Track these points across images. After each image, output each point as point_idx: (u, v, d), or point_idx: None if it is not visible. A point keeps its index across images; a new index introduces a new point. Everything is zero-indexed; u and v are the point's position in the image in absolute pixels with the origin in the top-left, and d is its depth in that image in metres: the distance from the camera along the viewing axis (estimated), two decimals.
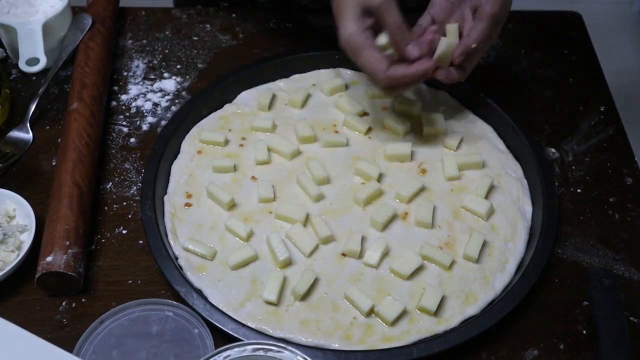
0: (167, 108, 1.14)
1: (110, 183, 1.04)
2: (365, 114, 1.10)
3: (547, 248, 0.94)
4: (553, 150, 1.09)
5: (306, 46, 1.19)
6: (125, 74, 1.19)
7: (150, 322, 0.88)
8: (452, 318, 0.89)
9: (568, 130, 1.12)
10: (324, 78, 1.15)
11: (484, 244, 0.95)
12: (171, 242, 0.95)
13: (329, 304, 0.90)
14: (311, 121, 1.08)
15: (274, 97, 1.12)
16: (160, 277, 0.93)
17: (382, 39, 0.97)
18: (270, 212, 0.98)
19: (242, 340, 0.78)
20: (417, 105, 1.10)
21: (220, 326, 0.86)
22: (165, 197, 1.00)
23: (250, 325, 0.87)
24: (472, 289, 0.92)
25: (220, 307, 0.89)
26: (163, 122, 1.12)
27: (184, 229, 0.97)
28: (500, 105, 1.09)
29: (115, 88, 1.17)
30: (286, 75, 1.16)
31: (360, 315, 0.89)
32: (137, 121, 1.13)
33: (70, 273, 0.89)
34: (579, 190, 1.05)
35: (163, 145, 1.04)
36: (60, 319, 0.90)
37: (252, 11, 1.29)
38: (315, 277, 0.91)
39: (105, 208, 1.01)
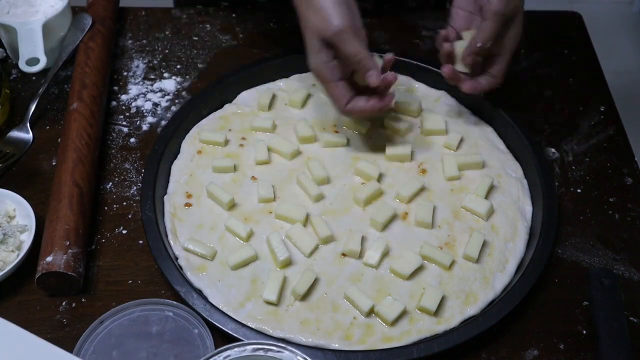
0: (167, 108, 1.14)
1: (110, 183, 1.04)
2: None
3: (547, 248, 0.94)
4: (553, 150, 1.09)
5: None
6: (125, 74, 1.19)
7: (150, 322, 0.88)
8: (452, 318, 0.89)
9: (568, 130, 1.12)
10: None
11: (484, 244, 0.95)
12: (171, 242, 0.95)
13: (329, 304, 0.90)
14: (311, 121, 1.08)
15: (274, 97, 1.12)
16: (160, 277, 0.93)
17: (457, 46, 1.01)
18: (270, 212, 0.98)
19: (242, 340, 0.78)
20: (417, 105, 1.10)
21: (220, 326, 0.86)
22: (165, 197, 1.00)
23: (250, 325, 0.87)
24: (472, 289, 0.92)
25: (220, 307, 0.89)
26: (163, 122, 1.12)
27: (184, 229, 0.97)
28: (500, 105, 1.08)
29: (115, 88, 1.17)
30: (286, 75, 1.16)
31: (360, 315, 0.89)
32: (137, 121, 1.13)
33: (70, 273, 0.89)
34: (579, 190, 1.05)
35: (163, 145, 1.04)
36: (60, 319, 0.90)
37: (252, 11, 1.29)
38: (315, 277, 0.91)
39: (105, 208, 1.01)
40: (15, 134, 1.09)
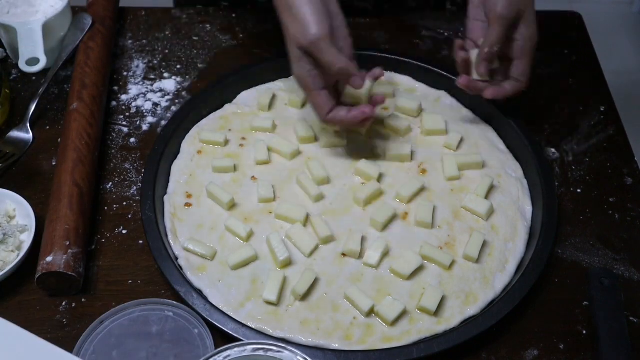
0: (167, 108, 1.14)
1: (110, 183, 1.04)
2: None
3: (547, 248, 0.94)
4: (553, 150, 1.09)
5: None
6: (125, 74, 1.19)
7: (150, 322, 0.88)
8: (452, 318, 0.89)
9: (568, 130, 1.12)
10: None
11: (484, 244, 0.95)
12: (171, 242, 0.95)
13: (329, 304, 0.90)
14: (311, 121, 1.08)
15: (274, 97, 1.12)
16: (160, 277, 0.93)
17: (496, 63, 1.01)
18: (270, 212, 0.98)
19: (242, 340, 0.78)
20: (417, 105, 1.10)
21: (220, 326, 0.86)
22: (165, 197, 1.00)
23: (250, 325, 0.87)
24: (472, 289, 0.92)
25: (220, 307, 0.89)
26: (163, 122, 1.12)
27: (184, 229, 0.97)
28: (500, 105, 1.08)
29: (115, 88, 1.17)
30: (286, 75, 1.16)
31: (360, 315, 0.89)
32: (137, 121, 1.13)
33: (70, 273, 0.89)
34: (579, 190, 1.05)
35: (163, 145, 1.04)
36: (60, 319, 0.90)
37: (252, 11, 1.29)
38: (315, 277, 0.91)
39: (105, 208, 1.01)
40: (15, 134, 1.09)
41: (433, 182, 1.02)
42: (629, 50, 2.67)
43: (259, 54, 1.22)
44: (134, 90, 1.17)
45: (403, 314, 0.88)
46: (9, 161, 1.06)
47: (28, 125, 1.10)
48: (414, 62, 1.15)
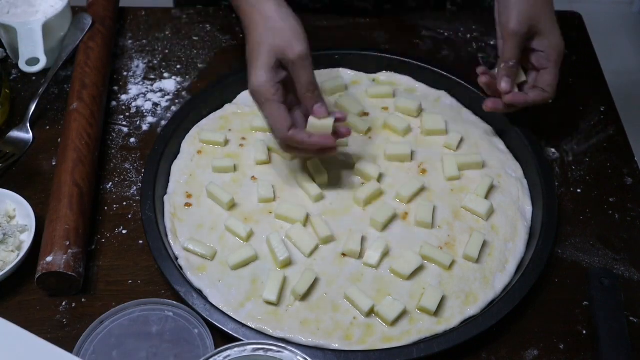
0: (167, 108, 1.14)
1: (110, 183, 1.04)
2: (365, 114, 1.10)
3: (547, 248, 0.94)
4: (553, 150, 1.09)
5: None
6: (125, 74, 1.19)
7: (150, 322, 0.88)
8: (452, 318, 0.89)
9: (568, 130, 1.12)
10: (324, 78, 1.15)
11: (484, 244, 0.95)
12: (171, 242, 0.95)
13: (329, 304, 0.90)
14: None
15: None
16: (160, 277, 0.93)
17: (522, 77, 1.01)
18: (270, 212, 0.98)
19: (242, 340, 0.78)
20: (417, 105, 1.10)
21: (220, 326, 0.86)
22: (165, 197, 1.00)
23: (250, 325, 0.87)
24: (472, 289, 0.92)
25: (220, 307, 0.89)
26: (163, 122, 1.12)
27: (184, 229, 0.97)
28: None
29: (115, 88, 1.17)
30: None
31: (360, 315, 0.89)
32: (137, 121, 1.13)
33: (70, 273, 0.89)
34: (579, 190, 1.05)
35: (163, 145, 1.04)
36: (60, 319, 0.90)
37: None
38: (315, 277, 0.91)
39: (105, 208, 1.01)
40: (15, 134, 1.09)
41: (433, 182, 1.02)
42: (629, 50, 2.67)
43: None
44: (134, 90, 1.17)
45: (403, 314, 0.88)
46: (9, 161, 1.06)
47: (28, 125, 1.10)
48: (414, 62, 1.15)
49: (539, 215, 0.98)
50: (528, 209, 1.00)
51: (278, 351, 0.73)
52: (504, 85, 1.01)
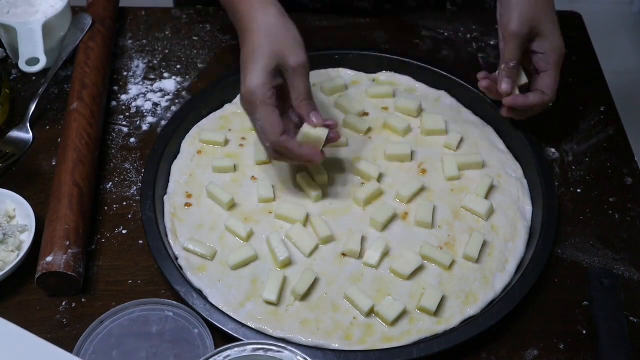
0: (167, 108, 1.14)
1: (110, 183, 1.04)
2: (365, 114, 1.10)
3: (547, 248, 0.94)
4: (553, 150, 1.09)
5: (306, 46, 1.19)
6: (125, 74, 1.19)
7: (150, 322, 0.88)
8: (452, 318, 0.89)
9: (568, 130, 1.12)
10: (324, 78, 1.15)
11: (484, 244, 0.95)
12: (171, 242, 0.95)
13: (329, 304, 0.90)
14: None
15: None
16: (160, 277, 0.93)
17: (524, 79, 1.01)
18: (270, 212, 0.98)
19: (242, 340, 0.78)
20: (417, 105, 1.10)
21: (220, 326, 0.86)
22: (165, 197, 1.00)
23: (250, 325, 0.87)
24: (472, 289, 0.92)
25: (220, 307, 0.89)
26: (163, 122, 1.12)
27: (184, 229, 0.97)
28: (500, 105, 1.08)
29: (115, 88, 1.17)
30: None
31: (360, 315, 0.89)
32: (137, 121, 1.13)
33: (70, 273, 0.89)
34: (579, 190, 1.05)
35: (163, 145, 1.04)
36: (60, 319, 0.90)
37: None
38: (315, 277, 0.91)
39: (105, 208, 1.01)
40: (15, 134, 1.09)
41: (433, 182, 1.02)
42: (629, 50, 2.67)
43: None
44: (134, 90, 1.17)
45: (403, 314, 0.88)
46: (9, 161, 1.06)
47: (28, 125, 1.10)
48: (414, 62, 1.15)
49: (539, 215, 0.98)
50: (528, 209, 1.00)
51: (278, 351, 0.73)
52: (504, 86, 1.01)
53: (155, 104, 1.15)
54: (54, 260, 0.89)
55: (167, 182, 1.02)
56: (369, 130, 1.08)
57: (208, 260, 0.94)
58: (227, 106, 1.12)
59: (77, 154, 1.01)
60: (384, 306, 0.88)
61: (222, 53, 1.23)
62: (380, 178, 1.02)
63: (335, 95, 1.13)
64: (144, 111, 1.14)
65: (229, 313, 0.88)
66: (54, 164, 1.05)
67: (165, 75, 1.19)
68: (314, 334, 0.87)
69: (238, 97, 1.12)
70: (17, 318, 0.84)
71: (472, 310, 0.90)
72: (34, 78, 1.18)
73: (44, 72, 1.14)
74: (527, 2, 0.98)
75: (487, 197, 1.00)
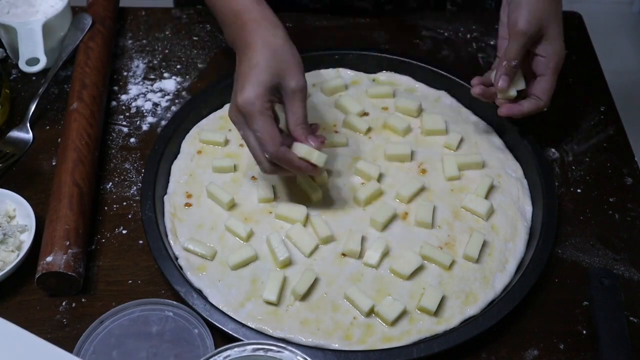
0: (167, 108, 1.14)
1: (110, 183, 1.04)
2: (365, 114, 1.10)
3: (547, 248, 0.94)
4: (553, 150, 1.09)
5: (306, 46, 1.19)
6: (125, 74, 1.19)
7: (150, 322, 0.88)
8: (452, 318, 0.89)
9: (568, 130, 1.12)
10: (324, 78, 1.15)
11: (484, 244, 0.95)
12: (171, 242, 0.95)
13: (329, 304, 0.90)
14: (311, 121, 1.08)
15: None
16: (160, 277, 0.93)
17: (522, 84, 1.01)
18: (270, 212, 0.98)
19: (242, 340, 0.78)
20: (417, 105, 1.10)
21: (220, 326, 0.86)
22: (165, 197, 1.00)
23: (250, 325, 0.87)
24: (472, 289, 0.92)
25: (220, 307, 0.89)
26: (163, 122, 1.12)
27: (184, 229, 0.97)
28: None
29: (115, 88, 1.17)
30: None
31: (360, 315, 0.89)
32: (137, 121, 1.13)
33: (70, 273, 0.89)
34: (579, 190, 1.05)
35: (163, 145, 1.04)
36: (60, 319, 0.90)
37: None
38: (315, 277, 0.91)
39: (105, 208, 1.01)
40: (15, 134, 1.09)
41: (433, 182, 1.02)
42: (629, 50, 2.67)
43: None
44: (134, 90, 1.17)
45: (403, 314, 0.88)
46: (9, 161, 1.06)
47: (28, 125, 1.10)
48: (414, 62, 1.15)
49: (539, 215, 0.98)
50: (528, 209, 1.00)
51: (278, 351, 0.73)
52: (501, 82, 1.00)
53: (155, 104, 1.15)
54: (54, 260, 0.89)
55: (167, 182, 1.02)
56: (369, 130, 1.08)
57: (208, 260, 0.94)
58: (227, 106, 1.12)
59: (77, 154, 1.01)
60: (384, 306, 0.88)
61: (222, 53, 1.23)
62: (380, 178, 1.02)
63: (335, 95, 1.13)
64: (144, 111, 1.14)
65: (229, 313, 0.88)
66: (54, 164, 1.05)
67: (165, 75, 1.19)
68: (314, 334, 0.87)
69: None
70: (17, 318, 0.84)
71: (472, 310, 0.90)
72: (34, 78, 1.18)
73: (44, 72, 1.14)
74: (537, 3, 0.98)
75: (487, 197, 1.00)
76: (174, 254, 0.94)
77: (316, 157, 0.91)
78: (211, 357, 0.72)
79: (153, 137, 1.08)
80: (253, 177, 1.02)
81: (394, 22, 1.28)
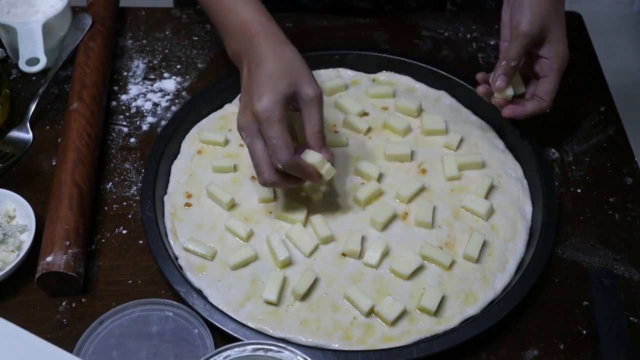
0: (167, 108, 1.14)
1: (110, 183, 1.04)
2: (365, 114, 1.10)
3: (547, 248, 0.94)
4: (553, 150, 1.09)
5: (306, 46, 1.19)
6: (125, 74, 1.19)
7: (150, 322, 0.88)
8: (452, 318, 0.89)
9: (568, 130, 1.12)
10: (324, 78, 1.15)
11: (484, 244, 0.95)
12: (171, 242, 0.95)
13: (329, 304, 0.90)
14: None
15: None
16: (160, 277, 0.93)
17: (522, 88, 1.01)
18: (270, 212, 0.98)
19: (242, 340, 0.78)
20: (417, 105, 1.10)
21: (220, 326, 0.86)
22: (165, 197, 1.00)
23: (250, 325, 0.87)
24: (472, 289, 0.92)
25: (220, 307, 0.89)
26: (163, 122, 1.12)
27: (184, 229, 0.97)
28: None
29: (115, 88, 1.17)
30: None
31: (360, 315, 0.89)
32: (137, 121, 1.13)
33: (70, 273, 0.89)
34: (579, 190, 1.05)
35: (163, 145, 1.04)
36: (60, 319, 0.90)
37: None
38: (315, 277, 0.91)
39: (105, 208, 1.01)
40: (15, 134, 1.09)
41: (433, 182, 1.02)
42: (629, 50, 2.67)
43: None
44: (134, 90, 1.17)
45: (403, 314, 0.88)
46: (9, 161, 1.06)
47: (28, 125, 1.10)
48: (414, 62, 1.15)
49: (539, 215, 0.98)
50: (528, 209, 1.00)
51: (278, 351, 0.73)
52: (499, 82, 0.99)
53: (155, 104, 1.15)
54: (54, 260, 0.89)
55: (167, 182, 1.02)
56: (369, 130, 1.08)
57: (208, 260, 0.94)
58: (227, 106, 1.12)
59: (77, 154, 1.01)
60: (384, 306, 0.88)
61: (222, 53, 1.22)
62: (380, 178, 1.02)
63: (335, 95, 1.13)
64: (144, 111, 1.14)
65: (229, 313, 0.88)
66: (54, 164, 1.05)
67: (165, 75, 1.19)
68: (314, 334, 0.87)
69: (238, 97, 1.13)
70: (17, 318, 0.84)
71: (472, 310, 0.90)
72: (34, 78, 1.18)
73: (44, 72, 1.14)
74: (540, 5, 0.98)
75: (487, 197, 1.00)
76: (174, 254, 0.94)
77: (326, 169, 0.92)
78: (211, 357, 0.72)
79: (153, 137, 1.08)
80: (253, 177, 1.02)
81: (394, 22, 1.28)
